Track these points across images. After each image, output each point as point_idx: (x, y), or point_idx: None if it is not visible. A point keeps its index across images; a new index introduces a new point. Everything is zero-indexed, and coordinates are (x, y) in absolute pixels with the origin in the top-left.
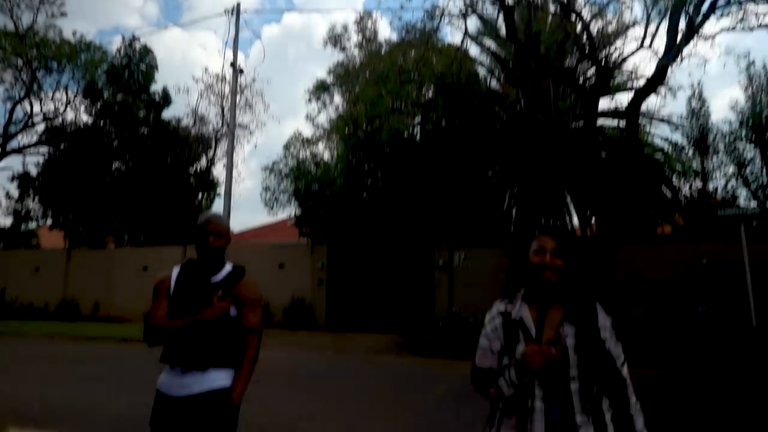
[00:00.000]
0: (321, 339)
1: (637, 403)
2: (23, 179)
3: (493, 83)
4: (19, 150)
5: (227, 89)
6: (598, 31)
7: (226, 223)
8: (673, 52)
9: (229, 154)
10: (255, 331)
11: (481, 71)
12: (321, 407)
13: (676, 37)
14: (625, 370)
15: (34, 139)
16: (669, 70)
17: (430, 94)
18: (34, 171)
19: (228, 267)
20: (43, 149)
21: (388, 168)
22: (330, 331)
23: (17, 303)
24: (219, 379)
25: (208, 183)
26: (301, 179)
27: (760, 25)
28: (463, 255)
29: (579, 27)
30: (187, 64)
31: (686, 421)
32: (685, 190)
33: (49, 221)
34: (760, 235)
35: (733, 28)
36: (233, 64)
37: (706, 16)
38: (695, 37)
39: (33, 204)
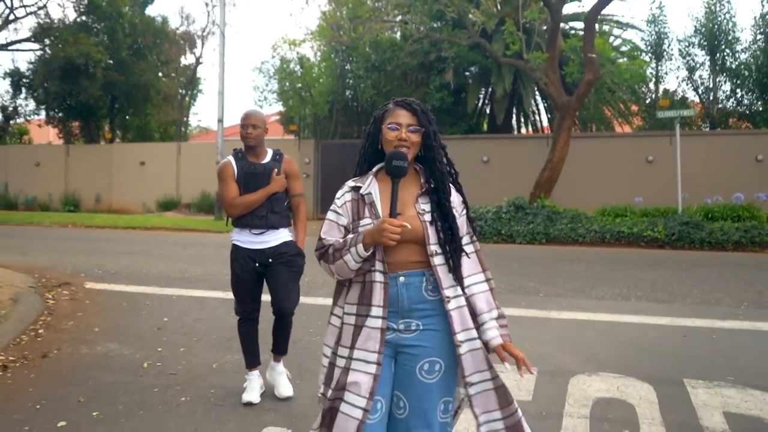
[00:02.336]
0: (310, 228)
1: (488, 282)
2: (15, 76)
3: None
4: (6, 47)
5: None
6: None
7: (262, 115)
8: None
9: (221, 56)
10: (301, 195)
11: None
12: None
13: None
14: (472, 247)
15: (23, 36)
16: None
17: None
18: (24, 68)
19: (269, 150)
20: (33, 46)
21: (371, 68)
22: (318, 221)
23: (21, 197)
24: (286, 234)
25: (192, 81)
26: (285, 78)
27: None
28: None
29: None
30: None
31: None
32: (641, 92)
33: (42, 117)
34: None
35: None
36: None
37: None
38: None
39: (25, 101)
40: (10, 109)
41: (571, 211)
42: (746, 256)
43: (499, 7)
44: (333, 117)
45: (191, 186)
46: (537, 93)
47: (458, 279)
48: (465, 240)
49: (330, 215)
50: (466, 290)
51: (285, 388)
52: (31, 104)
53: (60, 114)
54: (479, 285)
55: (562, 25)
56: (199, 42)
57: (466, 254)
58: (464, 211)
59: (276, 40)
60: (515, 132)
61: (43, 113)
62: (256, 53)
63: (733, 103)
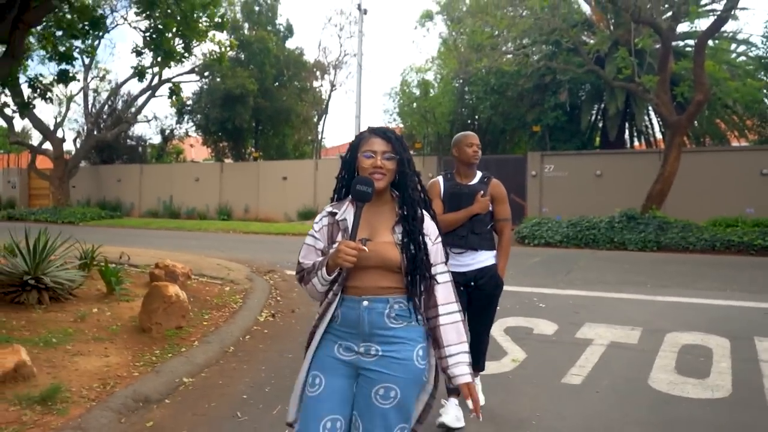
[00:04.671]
0: None
1: (459, 315)
2: (179, 104)
3: (582, 4)
4: (169, 80)
5: (345, 20)
6: None
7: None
8: (728, 4)
9: (358, 84)
10: (507, 220)
11: None
12: None
13: None
14: (445, 276)
15: (186, 68)
16: (733, 11)
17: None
18: (185, 97)
19: (479, 173)
20: (193, 78)
21: (489, 91)
22: None
23: (183, 208)
24: (488, 258)
25: (327, 106)
26: (408, 100)
27: None
28: (552, 166)
29: None
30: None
31: None
32: (756, 107)
33: (199, 139)
34: None
35: None
36: (359, 6)
37: None
38: None
39: (186, 125)
40: (168, 131)
41: (682, 221)
42: None
43: (612, 28)
44: (453, 135)
45: (327, 197)
46: (649, 110)
47: (426, 308)
48: (439, 269)
49: (308, 239)
50: (437, 319)
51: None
52: (185, 127)
53: (214, 135)
54: (451, 315)
55: (675, 43)
56: (332, 70)
57: (437, 282)
58: (438, 239)
59: (404, 68)
60: (628, 146)
61: (193, 135)
62: (382, 78)
63: None
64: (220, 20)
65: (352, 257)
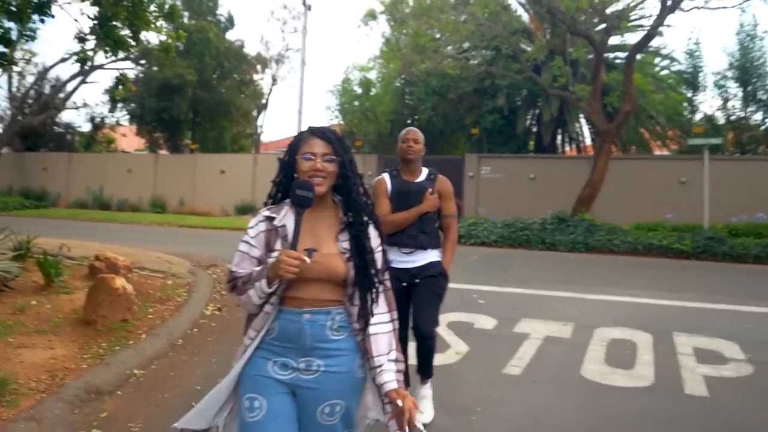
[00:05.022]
0: None
1: (393, 325)
2: (112, 93)
3: (522, 13)
4: (101, 67)
5: (288, 15)
6: None
7: (421, 134)
8: (655, 22)
9: (301, 80)
10: (453, 216)
11: (511, 1)
12: None
13: (666, 6)
14: (383, 287)
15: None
16: (660, 28)
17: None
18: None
19: (425, 169)
20: (128, 65)
21: (430, 93)
22: None
23: (114, 200)
24: (435, 255)
25: (267, 100)
26: (349, 98)
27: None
28: (489, 168)
29: None
30: None
31: None
32: (677, 119)
33: (133, 128)
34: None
35: (700, 7)
36: (304, 2)
37: None
38: (676, 10)
39: (120, 114)
40: (99, 120)
41: (609, 225)
42: (762, 267)
43: (548, 37)
44: (393, 134)
45: (265, 192)
46: (581, 117)
47: (364, 317)
48: (382, 277)
49: (242, 246)
50: (370, 329)
51: (425, 414)
52: (118, 116)
53: (149, 126)
54: (384, 325)
55: (607, 54)
56: (274, 64)
57: (378, 293)
58: (380, 247)
59: (347, 66)
60: (560, 151)
61: (126, 124)
62: (325, 75)
63: (762, 131)
64: (170, 11)
65: (294, 269)
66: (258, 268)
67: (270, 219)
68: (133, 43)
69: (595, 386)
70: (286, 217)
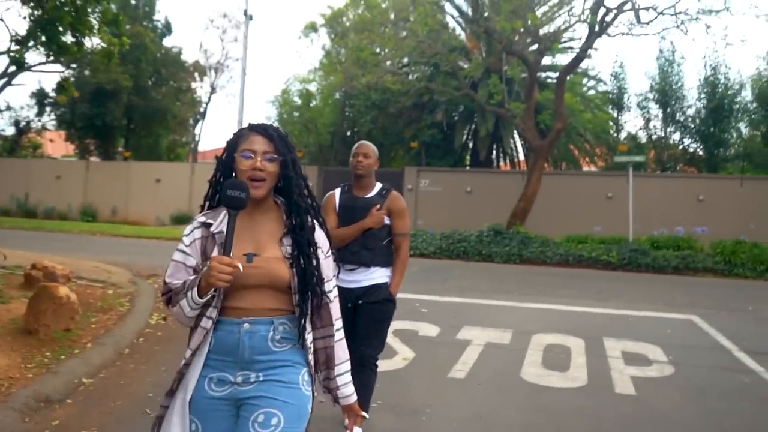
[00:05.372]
0: None
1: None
2: (40, 96)
3: (460, 31)
4: (29, 68)
5: (228, 24)
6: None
7: (374, 147)
8: (584, 46)
9: (241, 90)
10: (404, 235)
11: (449, 20)
12: None
13: (593, 32)
14: (332, 294)
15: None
16: (588, 51)
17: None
18: (48, 88)
19: (378, 185)
20: (58, 68)
21: (370, 106)
22: None
23: (40, 207)
24: (380, 276)
25: (206, 109)
26: (289, 109)
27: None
28: (427, 181)
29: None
30: None
31: None
32: (604, 137)
33: (61, 134)
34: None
35: (625, 34)
36: (245, 12)
37: (609, 23)
38: (602, 35)
39: (48, 118)
40: (24, 124)
41: (541, 237)
42: (681, 278)
43: (485, 55)
44: (334, 146)
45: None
46: (515, 133)
47: (315, 327)
48: (329, 285)
49: (176, 255)
50: (331, 339)
51: None
52: (45, 120)
53: (80, 131)
54: (339, 332)
55: (539, 74)
56: (213, 73)
57: (329, 300)
58: (329, 252)
59: (288, 77)
60: (495, 165)
61: (52, 129)
62: (265, 85)
63: (680, 150)
64: (114, 18)
65: (226, 275)
66: (191, 278)
67: (206, 225)
68: (76, 49)
69: (534, 387)
70: (223, 222)
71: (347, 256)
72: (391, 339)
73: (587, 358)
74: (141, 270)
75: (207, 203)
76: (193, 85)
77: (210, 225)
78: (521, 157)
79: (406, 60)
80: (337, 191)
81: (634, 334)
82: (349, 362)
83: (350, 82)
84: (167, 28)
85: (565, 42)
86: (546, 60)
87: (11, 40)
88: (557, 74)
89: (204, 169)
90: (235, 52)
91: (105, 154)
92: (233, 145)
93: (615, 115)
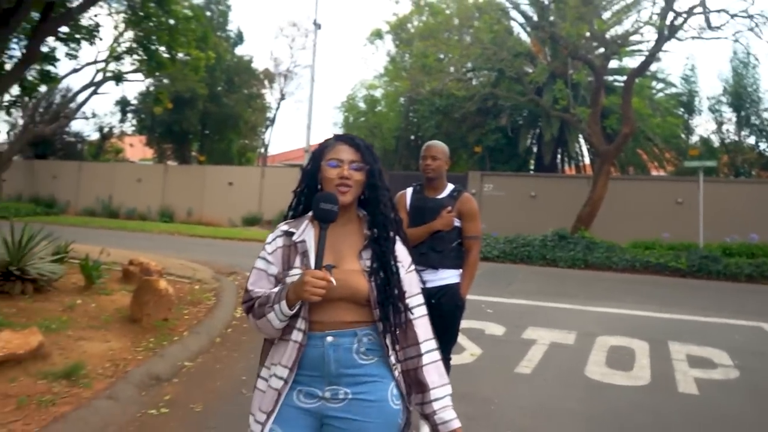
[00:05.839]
0: None
1: (433, 354)
2: (123, 103)
3: (525, 36)
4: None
5: (297, 32)
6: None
7: (444, 148)
8: (653, 50)
9: (310, 96)
10: (475, 238)
11: (514, 24)
12: None
13: (662, 36)
14: (418, 311)
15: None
16: (658, 54)
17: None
18: (131, 96)
19: (450, 186)
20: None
21: (434, 111)
22: None
23: (122, 208)
24: (449, 277)
25: (275, 115)
26: (355, 114)
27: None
28: (491, 186)
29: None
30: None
31: None
32: (674, 141)
33: (142, 138)
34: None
35: (695, 38)
36: (315, 21)
37: (678, 27)
38: (672, 39)
39: (129, 125)
40: (107, 129)
41: (607, 243)
42: (754, 286)
43: (549, 59)
44: (398, 150)
45: (272, 205)
46: (581, 138)
47: (402, 346)
48: (415, 301)
49: (258, 263)
50: (420, 359)
51: None
52: (126, 126)
53: (158, 137)
54: (432, 354)
55: (606, 78)
56: (282, 80)
57: (414, 316)
58: (411, 267)
59: (355, 84)
60: (560, 170)
61: (131, 134)
62: (331, 91)
63: (756, 154)
64: (204, 35)
65: (320, 290)
66: (276, 289)
67: (288, 234)
68: (171, 63)
69: (597, 384)
70: (306, 231)
71: (414, 257)
72: (459, 337)
73: (651, 360)
74: (221, 268)
75: (290, 213)
76: (263, 91)
77: (292, 234)
78: (587, 161)
79: (470, 65)
80: (409, 191)
81: (700, 339)
82: (448, 386)
83: (416, 88)
84: (239, 38)
85: (633, 43)
86: (613, 63)
87: (111, 57)
88: (624, 78)
89: (273, 173)
90: (304, 60)
91: (181, 158)
92: (319, 154)
93: (685, 118)
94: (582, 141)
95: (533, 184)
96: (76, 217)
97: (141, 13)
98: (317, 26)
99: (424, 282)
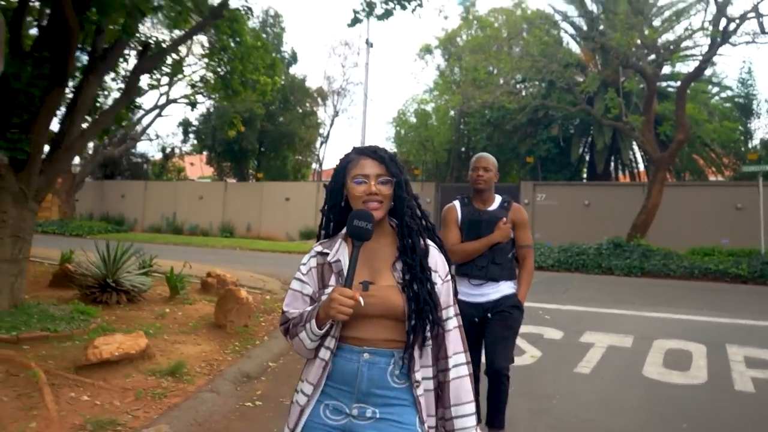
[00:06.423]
0: None
1: (466, 367)
2: (185, 125)
3: (574, 46)
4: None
5: (348, 51)
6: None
7: (494, 160)
8: (706, 56)
9: (364, 113)
10: (529, 247)
11: (563, 35)
12: None
13: (715, 42)
14: (455, 321)
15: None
16: (712, 59)
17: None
18: (192, 118)
19: (498, 197)
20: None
21: (485, 123)
22: None
23: (186, 225)
24: (507, 287)
25: (329, 131)
26: (406, 128)
27: None
28: (543, 195)
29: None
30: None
31: None
32: (731, 146)
33: (202, 157)
34: None
35: (749, 42)
36: (367, 41)
37: (731, 33)
38: (725, 44)
39: (189, 144)
40: (169, 150)
41: (664, 250)
42: None
43: (600, 68)
44: (450, 163)
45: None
46: (635, 145)
47: (434, 358)
48: (449, 312)
49: (294, 284)
50: (447, 373)
51: None
52: (187, 146)
53: (218, 155)
54: (460, 368)
55: (659, 84)
56: (336, 97)
57: (444, 329)
58: (448, 276)
59: (406, 99)
60: (613, 177)
61: (189, 152)
62: (382, 106)
63: None
64: (272, 63)
65: (348, 309)
66: (310, 308)
67: (323, 254)
68: (242, 90)
69: (655, 383)
70: (340, 250)
71: (474, 270)
72: (518, 341)
73: (708, 361)
74: (287, 279)
75: (322, 232)
76: (317, 109)
77: (326, 254)
78: (641, 168)
79: (519, 77)
80: (457, 203)
81: (760, 342)
82: (473, 404)
83: (467, 102)
84: (293, 58)
85: (685, 48)
86: (666, 69)
87: (188, 85)
88: (678, 83)
89: None
90: (356, 77)
91: (239, 175)
92: (342, 171)
93: (744, 121)
94: (636, 148)
95: (586, 193)
96: (143, 233)
97: (217, 46)
98: (369, 45)
99: (481, 295)
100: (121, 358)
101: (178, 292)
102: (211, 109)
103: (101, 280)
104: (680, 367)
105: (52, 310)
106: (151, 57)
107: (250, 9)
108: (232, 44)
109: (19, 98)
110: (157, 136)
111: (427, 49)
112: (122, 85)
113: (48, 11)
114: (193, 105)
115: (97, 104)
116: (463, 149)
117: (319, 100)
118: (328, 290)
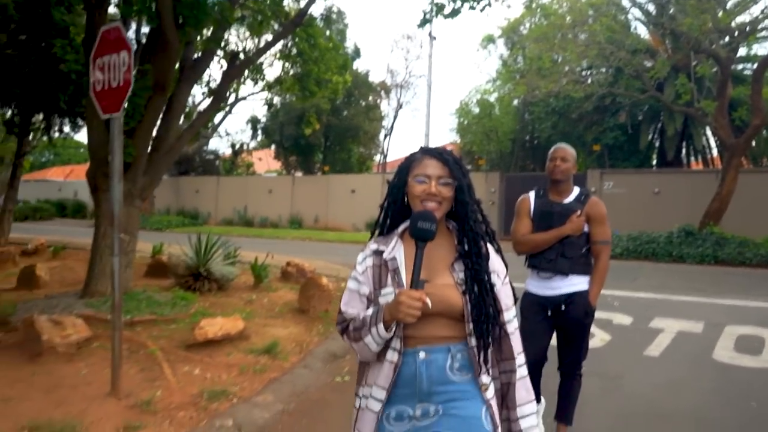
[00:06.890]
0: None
1: (521, 371)
2: (254, 121)
3: (642, 31)
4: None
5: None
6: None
7: (573, 150)
8: None
9: (428, 104)
10: (605, 243)
11: (631, 20)
12: None
13: None
14: (512, 325)
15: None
16: None
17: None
18: (259, 114)
19: (576, 189)
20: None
21: (550, 112)
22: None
23: (256, 218)
24: (579, 283)
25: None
26: (469, 118)
27: None
28: (611, 183)
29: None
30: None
31: None
32: None
33: (270, 152)
34: None
35: None
36: (430, 34)
37: None
38: None
39: (257, 141)
40: (238, 146)
41: (739, 237)
42: None
43: (670, 53)
44: (514, 152)
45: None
46: (707, 130)
47: (495, 360)
48: (508, 315)
49: (350, 284)
50: (511, 375)
51: None
52: (256, 142)
53: (285, 150)
54: (524, 368)
55: (733, 67)
56: (399, 90)
57: (506, 332)
58: (506, 278)
59: (470, 89)
60: (685, 164)
61: (255, 148)
62: (443, 97)
63: None
64: (344, 63)
65: (416, 311)
66: (370, 312)
67: (378, 253)
68: (318, 89)
69: (725, 366)
70: (396, 249)
71: (542, 263)
72: None
73: None
74: None
75: (378, 229)
76: (380, 102)
77: (382, 252)
78: (715, 153)
79: (585, 64)
80: (532, 194)
81: None
82: (533, 403)
83: (532, 92)
84: (356, 53)
85: (761, 29)
86: (741, 51)
87: (265, 87)
88: (754, 66)
89: None
90: (418, 70)
91: (306, 168)
92: (406, 169)
93: None
94: (709, 133)
95: (656, 180)
96: (217, 226)
97: (294, 50)
98: (432, 38)
99: (551, 288)
100: (223, 338)
101: (261, 280)
102: (278, 106)
103: (194, 270)
104: (752, 351)
105: (156, 296)
106: (240, 64)
107: (328, 17)
108: (308, 47)
109: (126, 108)
110: (227, 133)
111: (489, 39)
112: (205, 89)
113: (147, 29)
114: (270, 105)
115: (187, 109)
116: (527, 138)
117: (383, 93)
118: (385, 290)
